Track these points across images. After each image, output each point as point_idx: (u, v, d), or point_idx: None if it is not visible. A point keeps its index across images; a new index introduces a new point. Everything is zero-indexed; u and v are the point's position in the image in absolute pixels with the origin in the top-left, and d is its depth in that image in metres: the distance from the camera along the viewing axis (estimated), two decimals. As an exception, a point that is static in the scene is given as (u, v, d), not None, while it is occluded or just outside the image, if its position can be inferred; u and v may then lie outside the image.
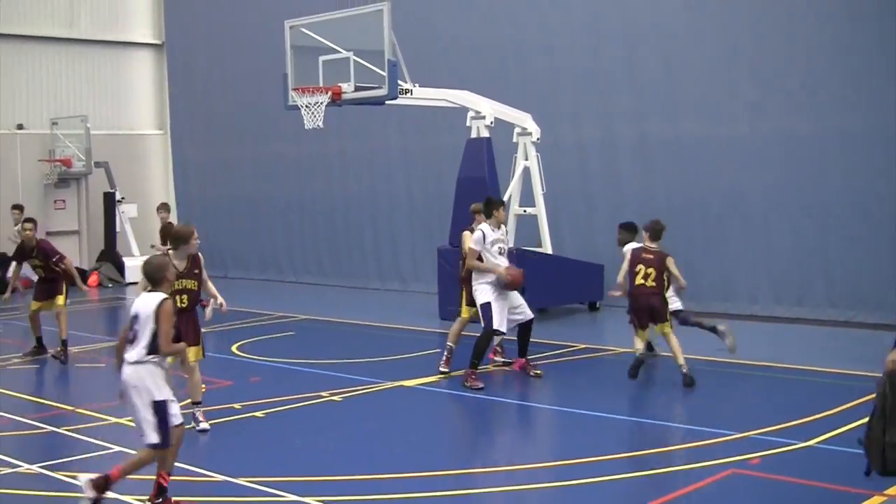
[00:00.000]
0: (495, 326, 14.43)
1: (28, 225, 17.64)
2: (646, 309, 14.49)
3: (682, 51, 21.65)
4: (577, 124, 23.21)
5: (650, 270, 14.37)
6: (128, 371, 8.99)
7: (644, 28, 22.16)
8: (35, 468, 10.74)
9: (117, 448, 11.46)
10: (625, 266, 14.77)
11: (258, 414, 13.11)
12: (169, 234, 12.92)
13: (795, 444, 11.15)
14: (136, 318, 9.05)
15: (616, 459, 10.81)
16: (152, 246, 22.19)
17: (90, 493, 8.88)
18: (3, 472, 10.60)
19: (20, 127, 31.05)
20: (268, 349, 18.06)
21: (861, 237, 19.55)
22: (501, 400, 14.03)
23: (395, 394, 14.41)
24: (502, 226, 15.01)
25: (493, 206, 14.83)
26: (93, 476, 8.97)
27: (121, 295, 27.93)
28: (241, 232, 31.15)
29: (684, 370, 14.26)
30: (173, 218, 33.73)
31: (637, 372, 14.52)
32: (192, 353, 11.81)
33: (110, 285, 29.88)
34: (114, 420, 12.87)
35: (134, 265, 29.38)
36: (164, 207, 22.04)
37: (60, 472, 10.53)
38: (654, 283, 14.37)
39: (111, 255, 30.82)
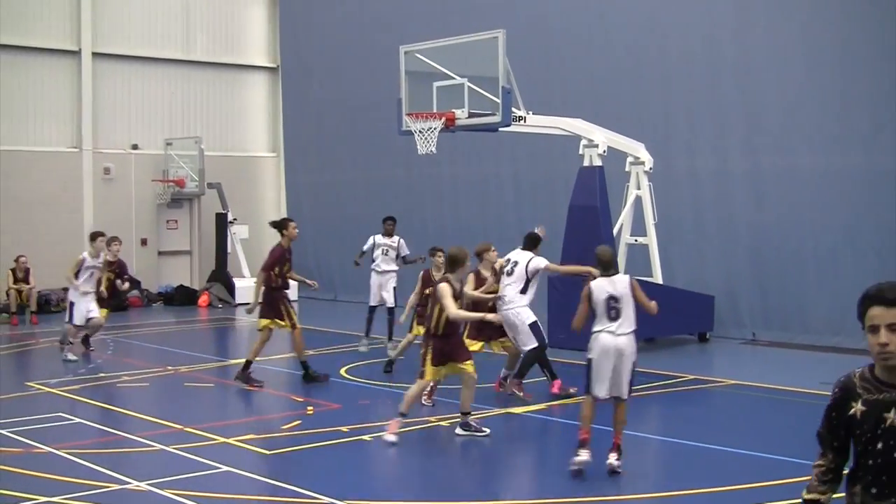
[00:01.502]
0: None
1: (294, 229, 17.21)
2: None
3: (797, 81, 21.31)
4: (690, 154, 22.99)
5: None
6: (618, 341, 11.10)
7: (760, 58, 21.87)
8: (144, 485, 10.82)
9: (225, 468, 11.52)
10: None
11: (366, 437, 13.08)
12: (448, 259, 13.30)
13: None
14: (613, 298, 11.09)
15: (728, 492, 10.63)
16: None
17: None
18: (112, 489, 10.71)
19: (135, 147, 31.47)
20: (376, 373, 18.08)
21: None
22: (609, 429, 13.86)
23: (503, 420, 14.32)
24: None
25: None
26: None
27: (230, 315, 28.14)
28: (352, 255, 31.18)
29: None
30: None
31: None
32: (469, 365, 13.06)
33: (220, 306, 30.09)
34: (221, 440, 12.95)
35: (244, 286, 29.50)
36: (112, 239, 20.72)
37: (168, 490, 10.59)
38: None
39: (222, 276, 30.98)
